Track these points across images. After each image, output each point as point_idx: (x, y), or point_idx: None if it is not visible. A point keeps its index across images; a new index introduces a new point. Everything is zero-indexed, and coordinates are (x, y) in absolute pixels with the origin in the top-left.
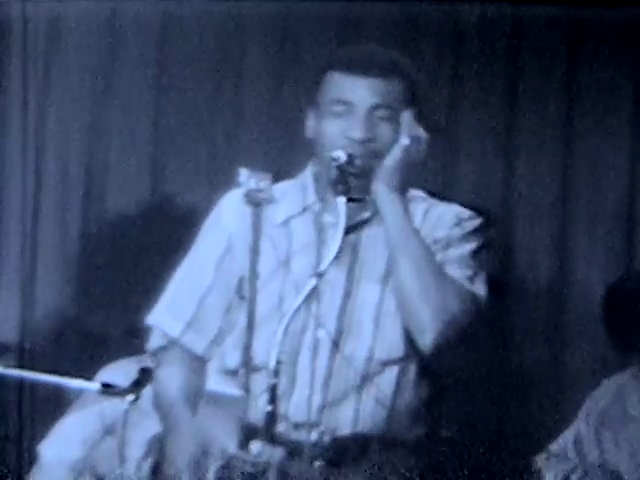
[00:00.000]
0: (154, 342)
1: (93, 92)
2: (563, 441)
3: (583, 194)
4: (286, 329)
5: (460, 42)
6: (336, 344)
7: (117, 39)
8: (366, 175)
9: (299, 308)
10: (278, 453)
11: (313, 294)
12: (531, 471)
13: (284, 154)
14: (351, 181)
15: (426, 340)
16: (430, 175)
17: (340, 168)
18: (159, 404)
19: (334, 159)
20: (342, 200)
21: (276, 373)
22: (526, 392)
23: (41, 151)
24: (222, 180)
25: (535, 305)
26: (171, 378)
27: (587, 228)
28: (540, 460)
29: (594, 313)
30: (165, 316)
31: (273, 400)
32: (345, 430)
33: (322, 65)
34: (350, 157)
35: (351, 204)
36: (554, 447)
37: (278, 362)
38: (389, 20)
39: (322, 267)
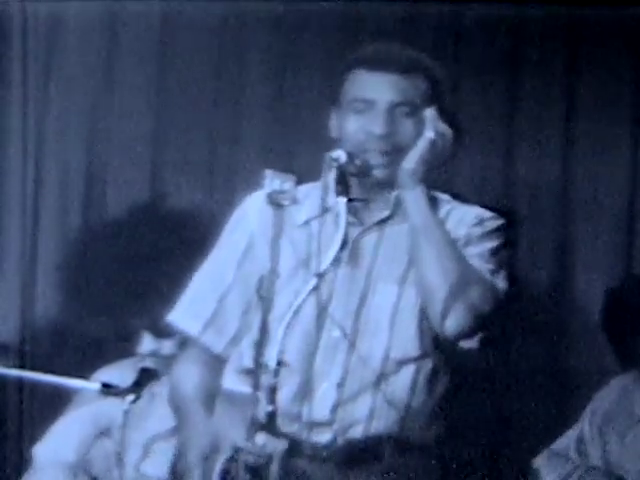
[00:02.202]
0: (146, 346)
1: (93, 91)
2: (565, 440)
3: (583, 194)
4: (287, 328)
5: (460, 42)
6: (352, 343)
7: (117, 39)
8: (367, 175)
9: (301, 308)
10: (281, 445)
11: (330, 293)
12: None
13: (285, 155)
14: (352, 181)
15: (447, 326)
16: (431, 175)
17: (340, 168)
18: (174, 401)
19: (334, 159)
20: (342, 200)
21: (276, 373)
22: (531, 394)
23: (41, 151)
24: (223, 182)
25: (535, 306)
26: (188, 376)
27: (588, 229)
28: (541, 459)
29: (595, 314)
30: (185, 315)
31: (273, 400)
32: (359, 429)
33: (344, 64)
34: (350, 157)
35: (373, 204)
36: (556, 446)
37: (279, 362)
38: (389, 20)
39: (322, 267)
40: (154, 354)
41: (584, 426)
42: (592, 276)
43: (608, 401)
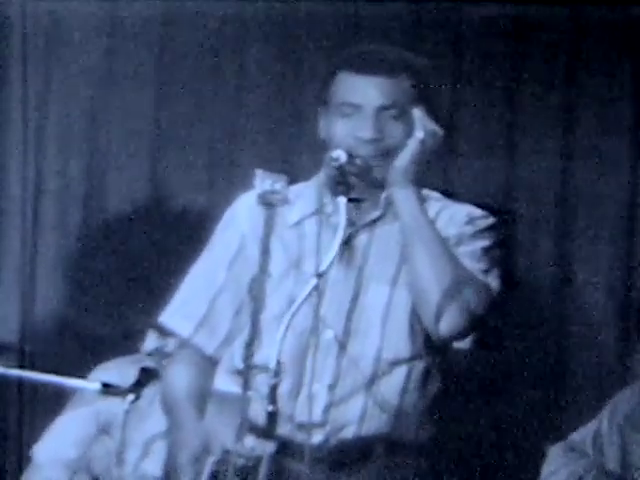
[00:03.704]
0: (149, 344)
1: (93, 91)
2: (584, 432)
3: (583, 194)
4: (287, 329)
5: (460, 42)
6: (343, 345)
7: (117, 38)
8: (367, 174)
9: (299, 308)
10: (270, 447)
11: (321, 294)
12: (538, 471)
13: (285, 154)
14: (351, 181)
15: (440, 327)
16: (429, 175)
17: (340, 168)
18: (166, 402)
19: (334, 159)
20: (342, 200)
21: (276, 373)
22: (524, 395)
23: (41, 151)
24: (222, 181)
25: (532, 306)
26: (179, 377)
27: (587, 229)
28: (557, 449)
29: (595, 313)
30: (176, 316)
31: (274, 400)
32: (351, 430)
33: (331, 66)
34: (350, 157)
35: (363, 204)
36: (574, 437)
37: (278, 362)
38: (389, 20)
39: (322, 268)
40: (158, 352)
41: (602, 422)
42: (591, 276)
43: (631, 402)
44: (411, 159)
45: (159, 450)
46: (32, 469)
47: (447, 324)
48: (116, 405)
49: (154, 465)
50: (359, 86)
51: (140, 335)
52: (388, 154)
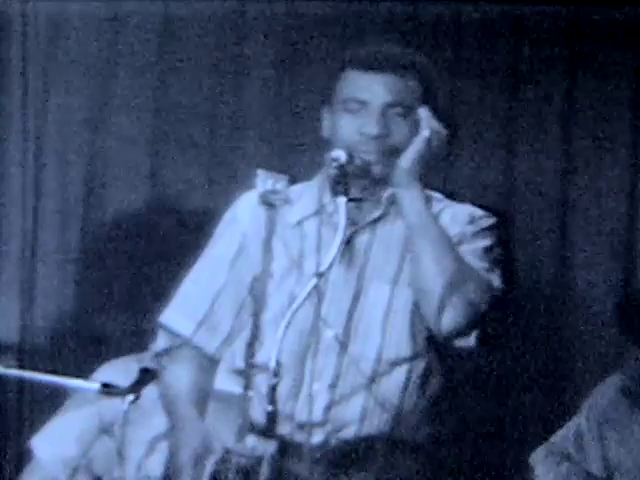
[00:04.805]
0: (161, 343)
1: (93, 92)
2: (564, 433)
3: (583, 194)
4: (287, 329)
5: (460, 42)
6: (344, 344)
7: (118, 38)
8: (367, 174)
9: (299, 308)
10: (272, 447)
11: (322, 294)
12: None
13: (286, 154)
14: (352, 181)
15: (443, 324)
16: (430, 175)
17: (340, 168)
18: (166, 402)
19: (334, 159)
20: (342, 200)
21: (276, 373)
22: (525, 394)
23: (41, 151)
24: (222, 181)
25: (533, 306)
26: (180, 377)
27: (587, 229)
28: (539, 455)
29: (594, 312)
30: (177, 315)
31: (273, 400)
32: (352, 430)
33: (338, 64)
34: (350, 157)
35: (365, 203)
36: (555, 439)
37: (278, 362)
38: (389, 20)
39: (322, 267)
40: (168, 351)
41: (581, 421)
42: (591, 276)
43: (607, 396)
44: (416, 158)
45: (164, 449)
46: (33, 467)
47: (449, 320)
48: (120, 404)
49: (158, 464)
50: (366, 83)
51: (140, 335)
52: (392, 152)
